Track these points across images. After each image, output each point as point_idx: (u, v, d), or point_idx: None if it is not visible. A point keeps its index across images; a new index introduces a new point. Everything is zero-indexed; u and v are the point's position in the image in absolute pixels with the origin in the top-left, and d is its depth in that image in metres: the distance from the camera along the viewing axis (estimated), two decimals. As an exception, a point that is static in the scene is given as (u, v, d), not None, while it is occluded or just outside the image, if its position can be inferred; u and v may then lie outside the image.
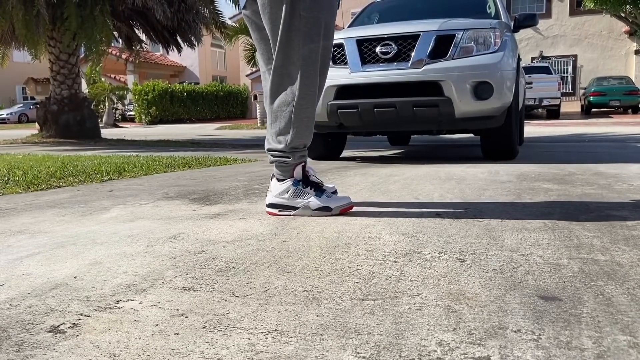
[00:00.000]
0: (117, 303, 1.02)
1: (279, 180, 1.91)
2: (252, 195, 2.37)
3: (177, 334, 0.87)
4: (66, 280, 1.17)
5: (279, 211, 1.89)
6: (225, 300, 1.02)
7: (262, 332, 0.86)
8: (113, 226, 1.76)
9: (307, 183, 1.90)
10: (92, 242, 1.54)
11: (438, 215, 1.83)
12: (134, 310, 0.98)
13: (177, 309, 0.98)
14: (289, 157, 1.87)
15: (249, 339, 0.84)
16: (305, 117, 1.84)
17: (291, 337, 0.84)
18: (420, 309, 0.95)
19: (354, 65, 3.77)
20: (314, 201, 1.86)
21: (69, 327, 0.90)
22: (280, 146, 1.87)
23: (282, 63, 1.80)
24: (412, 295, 1.02)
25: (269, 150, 1.92)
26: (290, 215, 1.87)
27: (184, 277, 1.18)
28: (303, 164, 1.91)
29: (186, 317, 0.94)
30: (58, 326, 0.91)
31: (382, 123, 3.86)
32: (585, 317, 0.89)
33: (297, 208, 1.87)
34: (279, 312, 0.95)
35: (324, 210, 1.86)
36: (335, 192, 2.04)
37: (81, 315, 0.96)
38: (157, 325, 0.90)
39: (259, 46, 1.96)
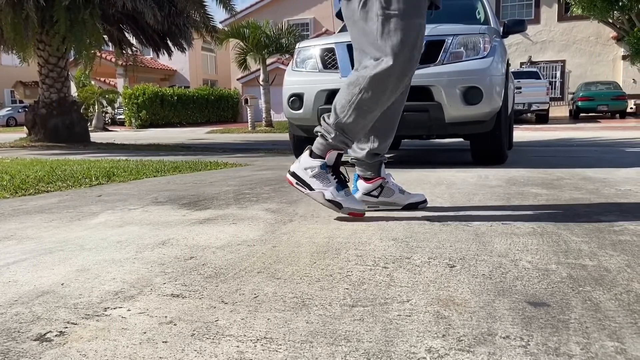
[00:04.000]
0: (105, 310, 1.01)
1: (311, 155, 1.87)
2: (242, 200, 2.36)
3: (166, 342, 0.86)
4: (53, 288, 1.15)
5: (296, 183, 1.86)
6: (214, 307, 1.02)
7: (251, 340, 0.86)
8: (101, 232, 1.75)
9: (335, 173, 1.86)
10: (80, 248, 1.52)
11: (428, 220, 1.84)
12: (122, 317, 0.97)
13: (166, 317, 0.97)
14: (331, 134, 1.83)
15: (238, 346, 0.84)
16: (365, 108, 1.79)
17: (280, 345, 0.84)
18: (409, 315, 0.95)
19: (344, 70, 3.78)
20: (330, 191, 1.82)
21: (56, 336, 0.89)
22: (331, 120, 1.84)
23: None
24: (401, 301, 1.03)
25: (322, 119, 1.89)
26: (303, 192, 1.85)
27: (173, 283, 1.17)
28: (340, 153, 1.87)
29: (175, 324, 0.93)
30: (44, 334, 0.90)
31: (373, 128, 3.86)
32: (573, 323, 0.90)
33: (313, 190, 1.83)
34: (268, 319, 0.95)
35: (334, 205, 1.82)
36: (425, 202, 2.07)
37: (68, 323, 0.95)
38: (145, 333, 0.90)
39: None
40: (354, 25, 1.86)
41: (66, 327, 0.93)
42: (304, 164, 1.86)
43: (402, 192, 2.07)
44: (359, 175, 2.09)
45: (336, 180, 1.84)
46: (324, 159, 1.85)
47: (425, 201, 2.08)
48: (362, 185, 2.06)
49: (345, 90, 1.83)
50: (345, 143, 1.86)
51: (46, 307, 1.03)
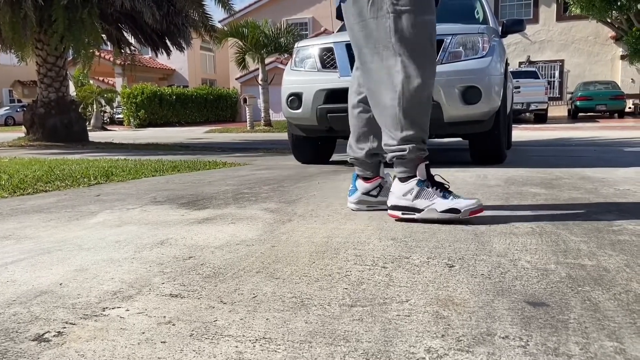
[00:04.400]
0: (103, 310, 1.00)
1: (401, 180, 1.82)
2: (241, 200, 2.36)
3: (164, 342, 0.86)
4: (51, 287, 1.15)
5: (402, 213, 1.79)
6: (213, 307, 1.01)
7: (250, 340, 0.86)
8: (100, 231, 1.75)
9: (433, 183, 1.80)
10: (78, 247, 1.52)
11: (427, 220, 1.84)
12: (120, 317, 0.97)
13: (164, 317, 0.97)
14: (404, 151, 1.78)
15: (237, 347, 0.83)
16: (412, 112, 1.78)
17: (279, 345, 0.84)
18: (409, 315, 0.95)
19: (343, 69, 3.78)
20: (440, 203, 1.74)
21: (54, 336, 0.89)
22: (393, 141, 1.80)
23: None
24: (401, 301, 1.02)
25: (385, 145, 1.86)
26: (414, 217, 1.77)
27: (172, 283, 1.17)
28: (426, 162, 1.83)
29: (173, 324, 0.93)
30: (43, 334, 0.90)
31: (372, 127, 3.87)
32: (572, 323, 0.90)
33: (422, 210, 1.76)
34: (267, 319, 0.95)
35: (452, 213, 1.72)
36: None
37: (66, 323, 0.95)
38: (143, 333, 0.89)
39: None
40: (360, 24, 1.83)
41: (64, 327, 0.93)
42: (400, 192, 1.81)
43: None
44: (357, 175, 2.08)
45: (438, 189, 1.78)
46: (415, 177, 1.81)
47: None
48: (361, 185, 2.05)
49: (379, 109, 1.83)
50: (422, 148, 1.81)
51: (44, 307, 1.03)
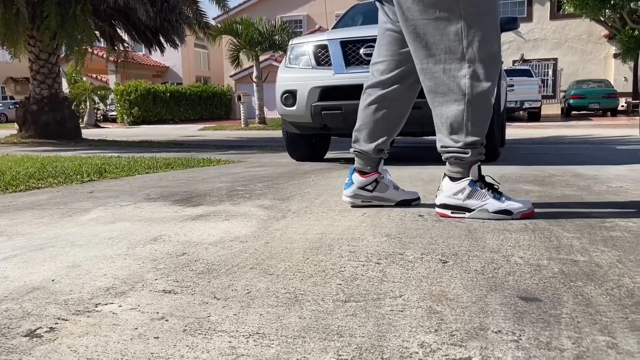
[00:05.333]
0: (96, 307, 1.00)
1: (452, 179, 1.82)
2: (235, 197, 2.36)
3: (157, 337, 0.85)
4: (44, 284, 1.14)
5: (452, 212, 1.79)
6: (207, 303, 1.01)
7: (243, 335, 0.86)
8: (93, 228, 1.74)
9: (485, 184, 1.80)
10: (71, 244, 1.51)
11: (421, 216, 1.84)
12: (113, 313, 0.96)
13: (157, 312, 0.96)
14: (467, 154, 1.77)
15: (230, 342, 0.83)
16: (476, 119, 1.78)
17: (273, 340, 0.84)
18: (402, 311, 0.95)
19: (338, 66, 3.78)
20: (492, 203, 1.74)
21: (46, 332, 0.89)
22: (457, 144, 1.79)
23: None
24: (394, 296, 1.03)
25: (443, 146, 1.84)
26: (464, 217, 1.76)
27: (165, 279, 1.16)
28: (479, 163, 1.82)
29: (166, 320, 0.93)
30: (35, 330, 0.89)
31: (366, 124, 3.87)
32: (564, 317, 0.90)
33: (473, 210, 1.76)
34: (260, 314, 0.95)
35: (504, 214, 1.73)
36: (418, 199, 2.03)
37: (59, 319, 0.94)
38: (136, 329, 0.89)
39: None
40: (422, 22, 1.76)
41: (57, 323, 0.92)
42: (450, 191, 1.80)
43: (397, 188, 2.07)
44: (355, 169, 2.08)
45: (489, 190, 1.79)
46: (467, 177, 1.80)
47: (418, 198, 2.08)
48: (357, 179, 2.05)
49: (440, 110, 1.82)
50: (481, 152, 1.82)
51: (36, 303, 1.02)
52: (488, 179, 1.84)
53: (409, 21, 1.78)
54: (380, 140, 2.03)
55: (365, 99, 2.05)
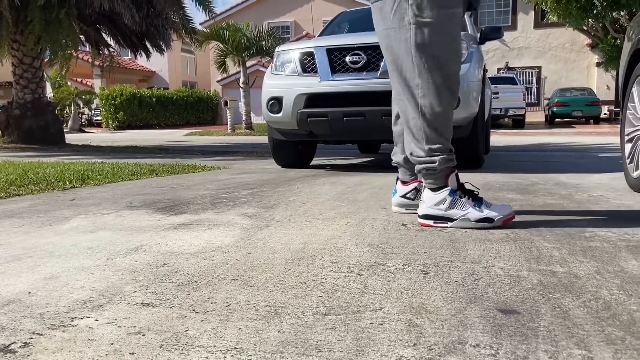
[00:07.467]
0: (72, 320, 0.98)
1: (432, 190, 1.83)
2: (219, 205, 2.34)
3: (133, 353, 0.84)
4: (20, 296, 1.12)
5: (434, 222, 1.80)
6: (185, 316, 1.00)
7: (220, 351, 0.85)
8: (73, 237, 1.71)
9: (464, 192, 1.81)
10: (49, 254, 1.49)
11: (404, 225, 1.85)
12: (89, 328, 0.95)
13: (134, 327, 0.95)
14: (435, 163, 1.79)
15: (207, 357, 0.82)
16: (437, 124, 1.81)
17: (250, 356, 0.83)
18: (382, 324, 0.95)
19: (324, 74, 3.79)
20: (473, 212, 1.75)
21: (20, 347, 0.87)
22: (421, 154, 1.82)
23: None
24: (374, 309, 1.02)
25: (413, 163, 1.88)
26: (446, 227, 1.77)
27: (144, 292, 1.15)
28: (456, 172, 1.83)
29: (143, 335, 0.91)
30: (8, 345, 0.87)
31: (352, 132, 3.88)
32: (542, 330, 0.91)
33: (455, 220, 1.77)
34: (239, 328, 0.94)
35: (485, 222, 1.74)
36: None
37: (33, 333, 0.92)
38: (112, 344, 0.88)
39: None
40: (384, 32, 1.84)
41: (31, 338, 0.90)
42: (432, 202, 1.81)
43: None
44: (398, 178, 2.14)
45: (470, 198, 1.79)
46: (446, 187, 1.81)
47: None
48: (400, 188, 2.11)
49: (403, 119, 1.86)
50: (451, 159, 1.82)
51: (11, 317, 1.00)
52: (468, 186, 1.86)
53: (377, 29, 1.90)
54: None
55: (393, 109, 2.11)
